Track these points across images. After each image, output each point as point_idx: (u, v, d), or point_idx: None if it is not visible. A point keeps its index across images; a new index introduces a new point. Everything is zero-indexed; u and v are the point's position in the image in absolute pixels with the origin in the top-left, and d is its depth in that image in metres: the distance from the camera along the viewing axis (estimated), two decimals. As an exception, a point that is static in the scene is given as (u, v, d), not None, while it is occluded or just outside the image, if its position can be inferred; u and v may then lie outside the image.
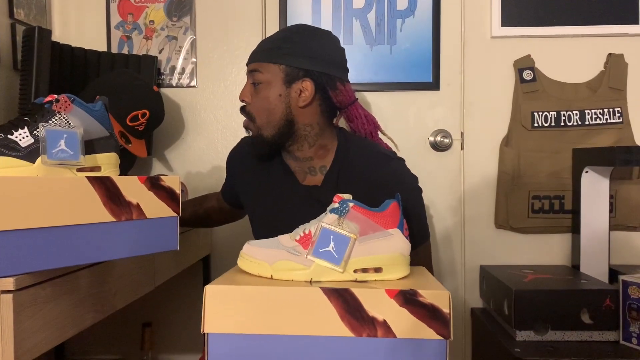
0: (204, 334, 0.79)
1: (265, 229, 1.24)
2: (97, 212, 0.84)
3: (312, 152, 1.24)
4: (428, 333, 0.78)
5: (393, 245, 0.89)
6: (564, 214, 1.83)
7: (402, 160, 1.26)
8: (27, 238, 0.75)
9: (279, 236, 0.92)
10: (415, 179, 1.24)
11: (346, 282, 0.85)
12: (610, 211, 1.76)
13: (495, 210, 1.87)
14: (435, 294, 0.78)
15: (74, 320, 0.89)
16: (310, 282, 0.85)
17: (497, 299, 1.60)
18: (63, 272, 0.85)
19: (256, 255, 0.89)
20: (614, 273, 1.67)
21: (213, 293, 0.79)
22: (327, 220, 0.88)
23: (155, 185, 0.94)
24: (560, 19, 1.84)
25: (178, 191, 0.99)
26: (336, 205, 0.89)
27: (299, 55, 1.18)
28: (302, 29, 1.23)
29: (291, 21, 1.87)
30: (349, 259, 0.86)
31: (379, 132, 1.33)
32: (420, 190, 1.24)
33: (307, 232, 0.89)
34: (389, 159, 1.23)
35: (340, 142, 1.25)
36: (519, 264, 1.86)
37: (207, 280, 1.85)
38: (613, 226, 1.78)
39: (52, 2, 1.90)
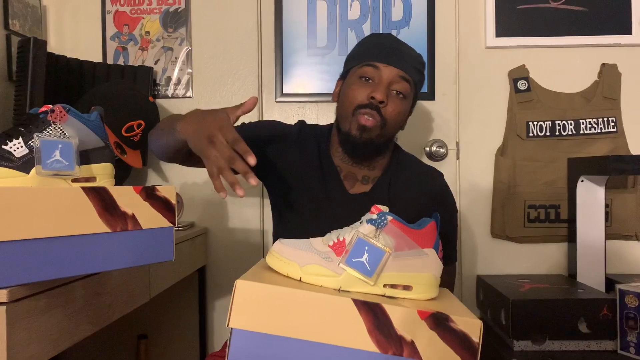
0: (229, 328, 0.77)
1: (299, 228, 1.22)
2: (92, 222, 0.84)
3: (376, 162, 1.26)
4: None
5: (427, 265, 0.87)
6: (559, 223, 1.83)
7: (445, 180, 1.32)
8: (21, 249, 0.74)
9: (311, 238, 0.89)
10: (455, 200, 1.32)
11: (374, 295, 0.84)
12: (606, 220, 1.76)
13: (492, 220, 1.87)
14: (467, 322, 0.77)
15: (69, 333, 0.89)
16: (339, 290, 0.83)
17: (494, 308, 1.59)
18: (57, 284, 0.85)
19: (287, 255, 0.86)
20: (610, 282, 1.67)
21: (243, 288, 0.77)
22: (364, 230, 0.85)
23: (150, 195, 0.94)
24: (554, 30, 1.85)
25: (174, 201, 0.99)
26: (374, 216, 0.86)
27: (421, 84, 1.25)
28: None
29: (287, 32, 1.87)
30: (381, 273, 0.84)
31: None
32: (457, 212, 1.32)
33: (341, 238, 0.86)
34: (438, 175, 1.30)
35: (394, 154, 1.29)
36: (515, 273, 1.86)
37: (202, 291, 1.84)
38: (609, 235, 1.78)
39: (47, 13, 1.90)
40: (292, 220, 1.28)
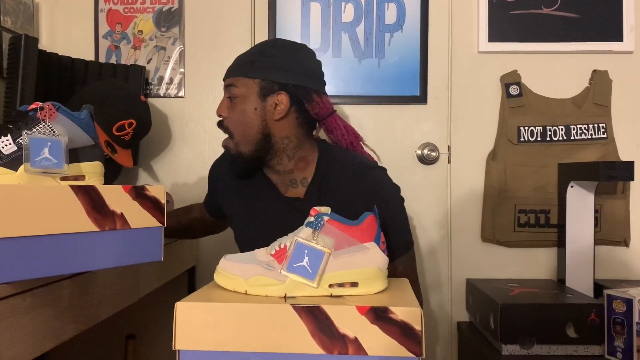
0: (176, 350, 0.78)
1: (249, 242, 1.23)
2: (80, 221, 0.83)
3: (292, 164, 1.24)
4: (400, 351, 0.76)
5: (369, 259, 0.87)
6: (549, 228, 1.84)
7: (383, 170, 1.26)
8: (7, 247, 0.73)
9: (256, 250, 0.91)
10: (397, 188, 1.25)
11: (321, 297, 0.84)
12: (595, 226, 1.78)
13: (482, 224, 1.88)
14: (406, 311, 0.77)
15: (55, 332, 0.88)
16: (285, 297, 0.84)
17: (484, 312, 1.60)
18: (44, 282, 0.84)
19: (231, 270, 0.88)
20: (598, 287, 1.68)
21: (184, 310, 0.79)
22: (302, 234, 0.87)
23: (140, 194, 0.93)
24: (546, 35, 1.86)
25: (163, 201, 0.98)
26: (311, 219, 0.88)
27: (273, 68, 1.19)
28: (277, 42, 1.25)
29: (280, 33, 1.87)
30: (324, 274, 0.85)
31: (361, 143, 1.33)
32: (402, 200, 1.25)
33: (282, 246, 0.88)
34: (370, 169, 1.24)
35: (321, 154, 1.26)
36: (505, 277, 1.86)
37: (192, 292, 1.83)
38: (598, 240, 1.79)
39: (39, 10, 1.89)
40: (244, 236, 1.32)
